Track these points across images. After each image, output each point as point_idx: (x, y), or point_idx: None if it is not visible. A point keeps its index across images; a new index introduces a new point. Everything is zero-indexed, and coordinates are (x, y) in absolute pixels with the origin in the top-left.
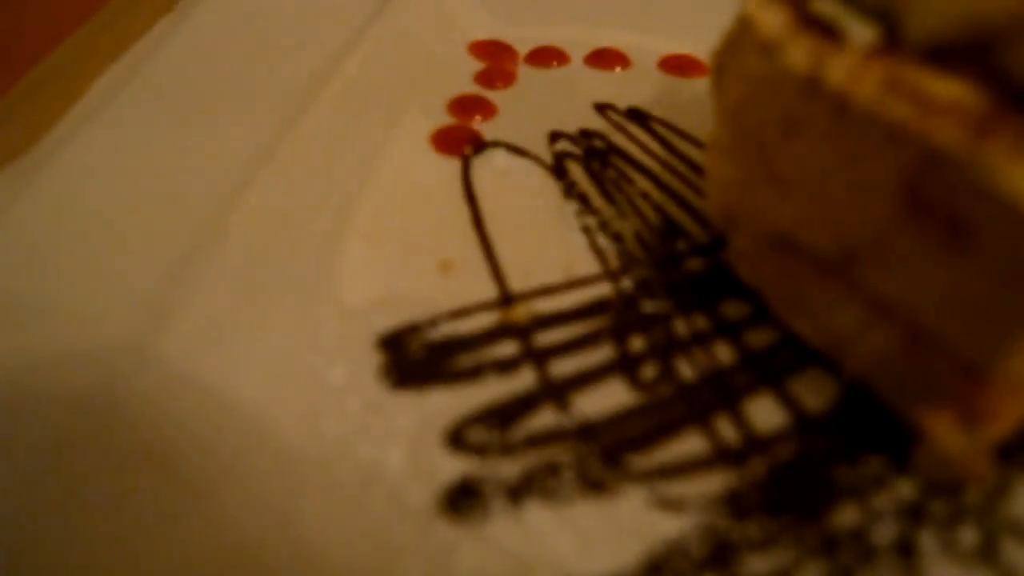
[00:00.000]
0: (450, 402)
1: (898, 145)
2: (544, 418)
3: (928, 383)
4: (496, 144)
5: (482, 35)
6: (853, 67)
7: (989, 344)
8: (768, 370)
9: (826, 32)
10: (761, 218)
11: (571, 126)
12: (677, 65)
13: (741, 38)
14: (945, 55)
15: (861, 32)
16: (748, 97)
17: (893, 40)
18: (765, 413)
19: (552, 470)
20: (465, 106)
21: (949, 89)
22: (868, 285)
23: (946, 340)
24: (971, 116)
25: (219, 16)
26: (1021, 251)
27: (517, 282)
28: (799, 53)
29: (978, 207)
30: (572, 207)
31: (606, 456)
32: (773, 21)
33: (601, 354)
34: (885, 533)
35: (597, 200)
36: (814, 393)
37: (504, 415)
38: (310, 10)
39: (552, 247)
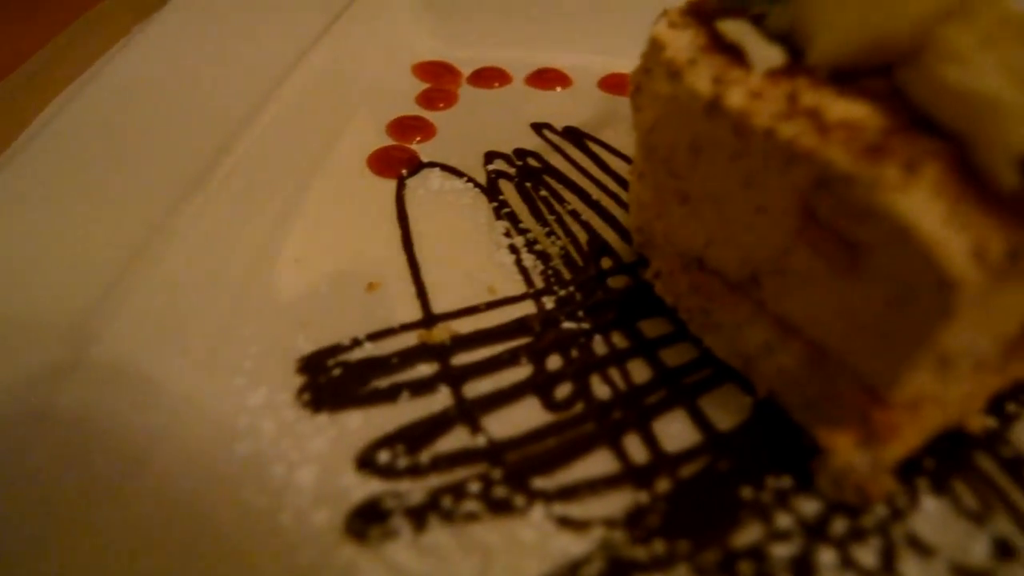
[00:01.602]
0: (364, 424)
1: (793, 165)
2: (455, 439)
3: (831, 402)
4: (432, 165)
5: (426, 56)
6: (754, 89)
7: (885, 365)
8: (682, 388)
9: (734, 54)
10: (674, 238)
11: (508, 146)
12: (617, 84)
13: (652, 60)
14: (849, 77)
15: (765, 54)
16: (659, 118)
17: (798, 62)
18: (676, 432)
19: (457, 492)
20: (404, 127)
21: (849, 110)
22: (773, 305)
23: (845, 360)
24: (866, 137)
25: (165, 37)
26: (910, 272)
27: (440, 303)
28: (703, 75)
29: (868, 228)
30: (502, 227)
31: (511, 477)
32: (681, 43)
33: (517, 374)
34: (785, 551)
35: (527, 219)
36: (726, 411)
37: (414, 437)
38: (257, 31)
39: (478, 267)
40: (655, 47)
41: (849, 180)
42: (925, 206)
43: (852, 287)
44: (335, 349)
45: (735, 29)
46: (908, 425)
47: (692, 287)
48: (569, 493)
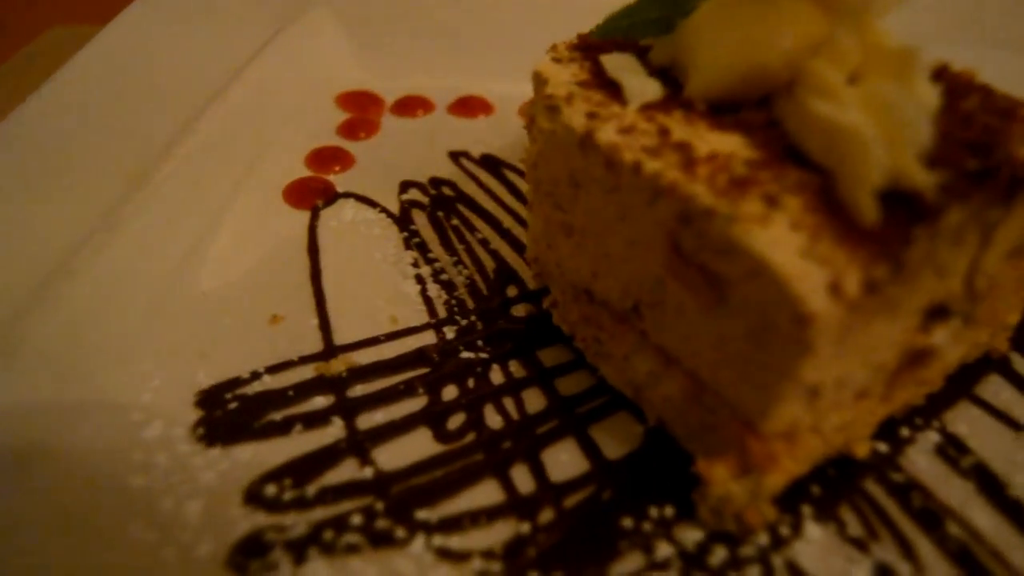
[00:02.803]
0: (255, 457)
1: (659, 200)
2: (343, 472)
3: (711, 432)
4: (347, 195)
5: (351, 86)
6: (627, 124)
7: (755, 397)
8: (574, 417)
9: (614, 89)
10: (565, 269)
11: (425, 175)
12: None
13: (537, 94)
14: (729, 108)
15: (641, 89)
16: (541, 152)
17: (679, 96)
18: (564, 461)
19: (339, 524)
20: (322, 158)
21: (721, 143)
22: (654, 336)
23: (720, 391)
24: (733, 170)
25: (91, 68)
26: (769, 306)
27: (343, 334)
28: (579, 111)
29: (729, 263)
30: (410, 256)
31: (394, 509)
32: (562, 78)
33: (412, 405)
34: None
35: (436, 249)
36: (617, 440)
37: (302, 470)
38: (182, 61)
39: (383, 298)
40: (538, 82)
41: (709, 214)
42: (782, 240)
43: (719, 320)
44: (234, 382)
45: (616, 63)
46: (786, 454)
47: (583, 317)
48: (451, 525)
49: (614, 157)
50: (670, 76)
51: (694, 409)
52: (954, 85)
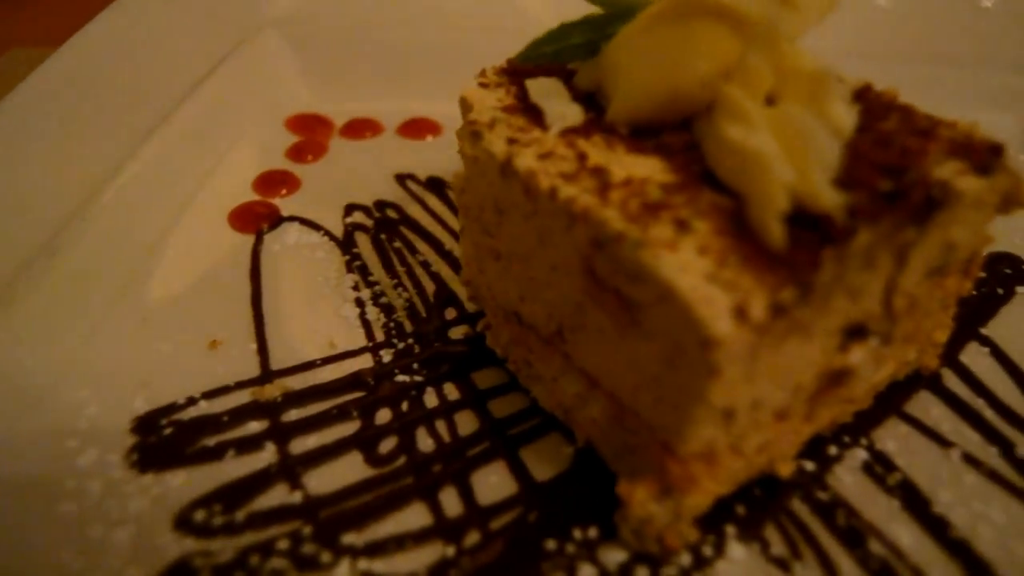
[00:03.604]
0: (187, 483)
1: (574, 225)
2: (273, 497)
3: (634, 454)
4: (292, 219)
5: (301, 109)
6: (546, 149)
7: (670, 419)
8: (506, 440)
9: (537, 113)
10: (495, 292)
11: (371, 197)
12: None
13: (464, 120)
14: (651, 132)
15: (561, 114)
16: (469, 177)
17: (600, 121)
18: (493, 484)
19: (265, 549)
20: (269, 182)
21: (638, 167)
22: (577, 359)
23: (640, 413)
24: (647, 195)
25: (39, 92)
26: (677, 331)
27: (280, 359)
28: (500, 136)
29: (640, 287)
30: (351, 280)
31: (321, 533)
32: (487, 104)
33: (345, 429)
34: None
35: (377, 272)
36: (547, 461)
37: (232, 495)
38: (135, 83)
39: (321, 322)
40: (464, 107)
41: (619, 239)
42: (689, 264)
43: (634, 344)
44: (170, 408)
45: (540, 88)
46: (706, 476)
47: (513, 339)
48: (377, 549)
49: (531, 183)
50: (595, 100)
51: (617, 431)
52: (875, 105)
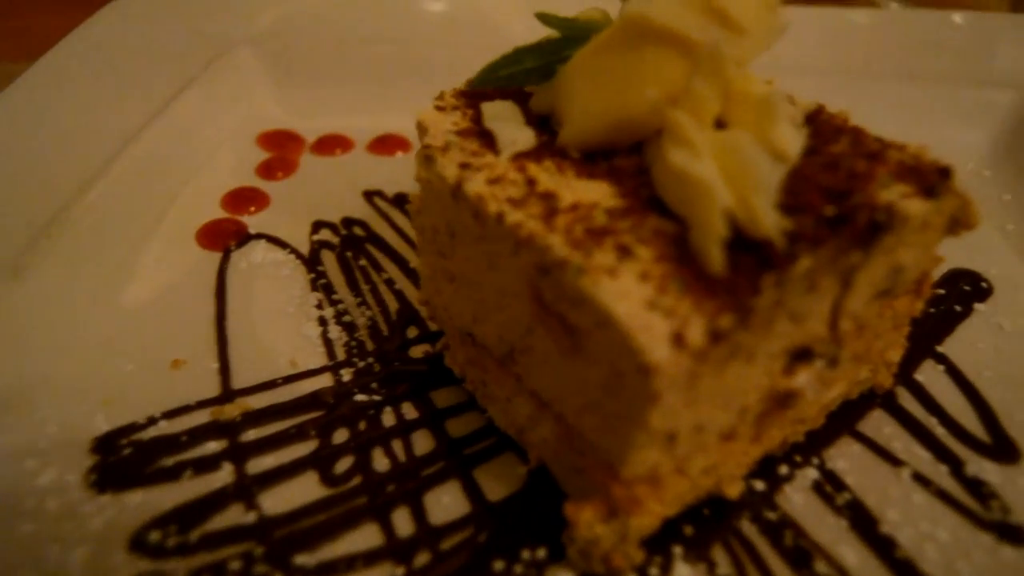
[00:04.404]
0: (144, 503)
1: (521, 250)
2: (228, 517)
3: (582, 475)
4: (259, 236)
5: (272, 126)
6: (497, 174)
7: (613, 442)
8: (460, 459)
9: (491, 137)
10: (451, 313)
11: (338, 215)
12: None
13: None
14: (603, 155)
15: (513, 138)
16: (424, 199)
17: (552, 145)
18: (446, 504)
19: (217, 570)
20: (238, 199)
21: (587, 191)
22: (528, 381)
23: (585, 435)
24: (593, 220)
25: (16, 103)
26: (617, 357)
27: (241, 378)
28: (452, 160)
29: (581, 313)
30: (315, 298)
31: (273, 554)
32: (442, 127)
33: (302, 449)
34: None
35: (342, 290)
36: (501, 481)
37: (187, 516)
38: (102, 99)
39: (284, 341)
40: (420, 131)
41: (562, 265)
42: (629, 291)
43: (579, 369)
44: (130, 428)
45: (494, 112)
46: (651, 497)
47: (469, 360)
48: (327, 569)
49: (480, 208)
50: (549, 124)
51: (566, 452)
52: (825, 128)
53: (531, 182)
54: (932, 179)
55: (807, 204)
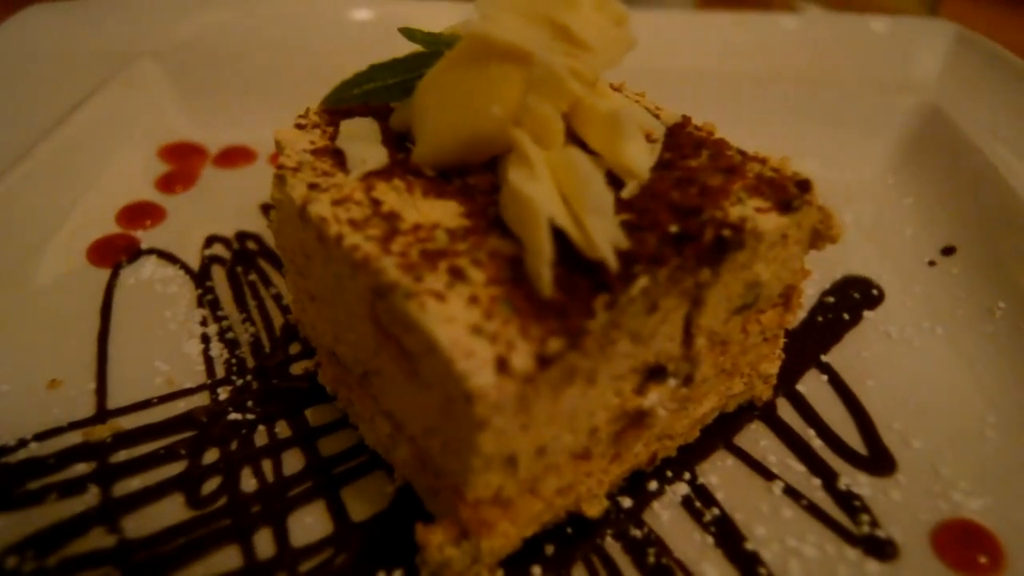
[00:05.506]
0: (5, 528)
1: (358, 273)
2: (90, 541)
3: (437, 496)
4: (150, 252)
5: (176, 138)
6: (344, 194)
7: (454, 466)
8: (329, 479)
9: (343, 157)
10: (317, 332)
11: (233, 228)
12: None
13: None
14: (458, 172)
15: (363, 158)
16: (280, 219)
17: (406, 163)
18: (309, 524)
19: None
20: (133, 214)
21: (432, 211)
22: (381, 401)
23: (432, 458)
24: (432, 241)
25: None
26: (446, 382)
27: (117, 398)
28: (302, 181)
29: (412, 337)
30: (200, 315)
31: None
32: (299, 146)
33: (171, 470)
34: None
35: (228, 306)
36: (368, 500)
37: (46, 541)
38: (2, 108)
39: (163, 359)
40: (278, 149)
41: (392, 289)
42: (456, 315)
43: (418, 392)
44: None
45: (351, 130)
46: (502, 519)
47: (336, 378)
48: None
49: (322, 230)
50: (407, 142)
51: (422, 473)
52: (687, 141)
53: (376, 203)
54: (789, 193)
55: (653, 222)
